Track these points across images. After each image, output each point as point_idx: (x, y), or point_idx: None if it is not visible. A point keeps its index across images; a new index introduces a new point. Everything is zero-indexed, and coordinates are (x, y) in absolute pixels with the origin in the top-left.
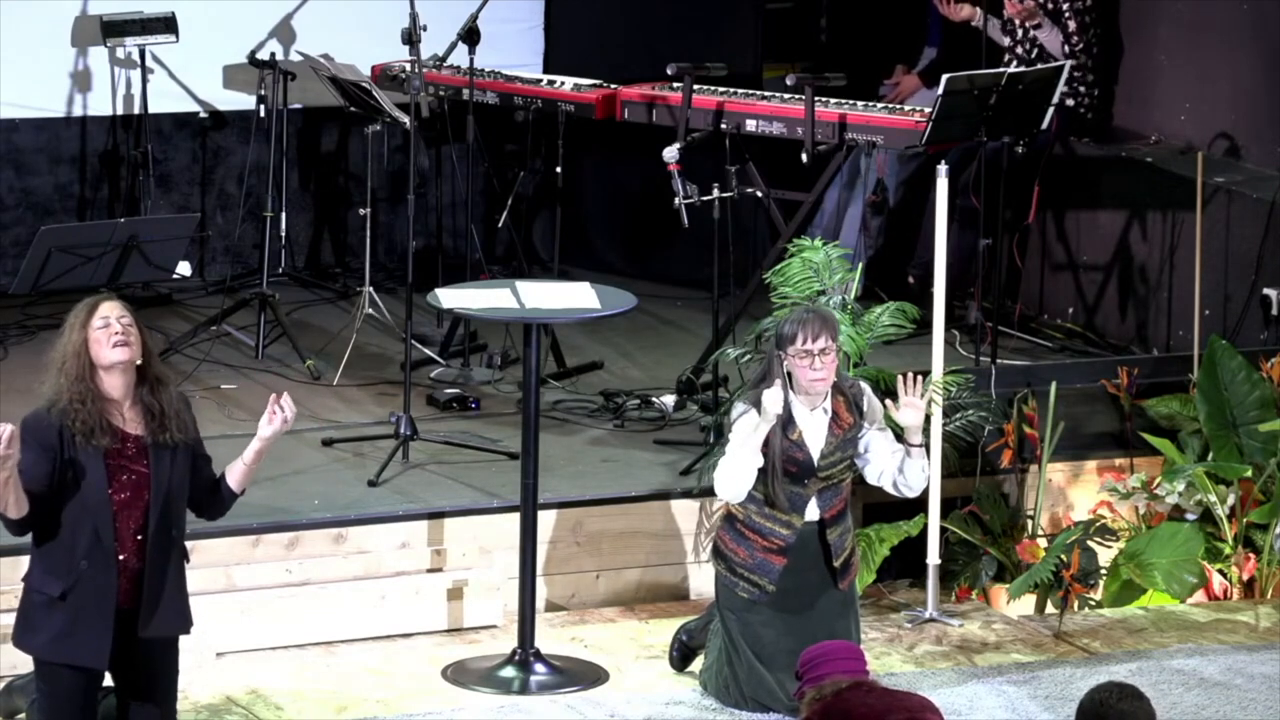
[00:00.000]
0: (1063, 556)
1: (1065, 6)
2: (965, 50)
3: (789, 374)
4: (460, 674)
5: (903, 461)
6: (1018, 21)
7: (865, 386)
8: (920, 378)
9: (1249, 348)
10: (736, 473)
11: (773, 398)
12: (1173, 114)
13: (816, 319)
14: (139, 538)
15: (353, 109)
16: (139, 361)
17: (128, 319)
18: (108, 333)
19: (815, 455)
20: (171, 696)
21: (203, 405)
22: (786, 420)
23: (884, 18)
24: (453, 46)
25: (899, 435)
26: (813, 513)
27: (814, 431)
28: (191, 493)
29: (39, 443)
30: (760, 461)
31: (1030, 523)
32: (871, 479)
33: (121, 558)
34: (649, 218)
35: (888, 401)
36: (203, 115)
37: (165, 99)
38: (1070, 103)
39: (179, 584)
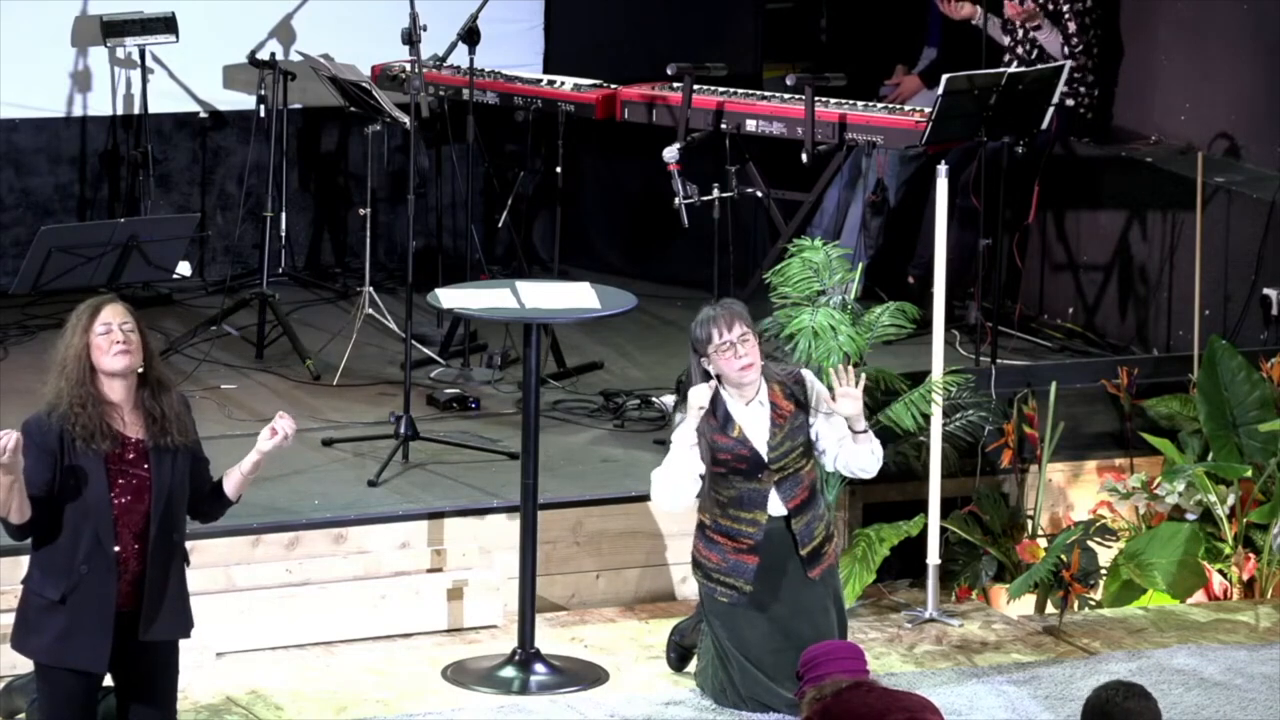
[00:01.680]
0: (1063, 556)
1: (1065, 8)
2: (965, 50)
3: (718, 376)
4: (460, 674)
5: (852, 447)
6: (1018, 23)
7: (806, 374)
8: (853, 367)
9: (1249, 348)
10: (671, 480)
11: (698, 391)
12: (1173, 114)
13: (724, 311)
14: (140, 541)
15: (353, 109)
16: (141, 369)
17: (130, 324)
18: (109, 339)
19: (763, 449)
20: (172, 697)
21: (203, 405)
22: (724, 420)
23: (884, 18)
24: (453, 46)
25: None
26: (776, 506)
27: (754, 425)
28: (190, 495)
29: (39, 446)
30: (700, 467)
31: (1030, 523)
32: (828, 466)
33: (122, 561)
34: (649, 218)
35: (824, 394)
36: (203, 115)
37: (165, 99)
38: (1070, 103)
39: (180, 587)
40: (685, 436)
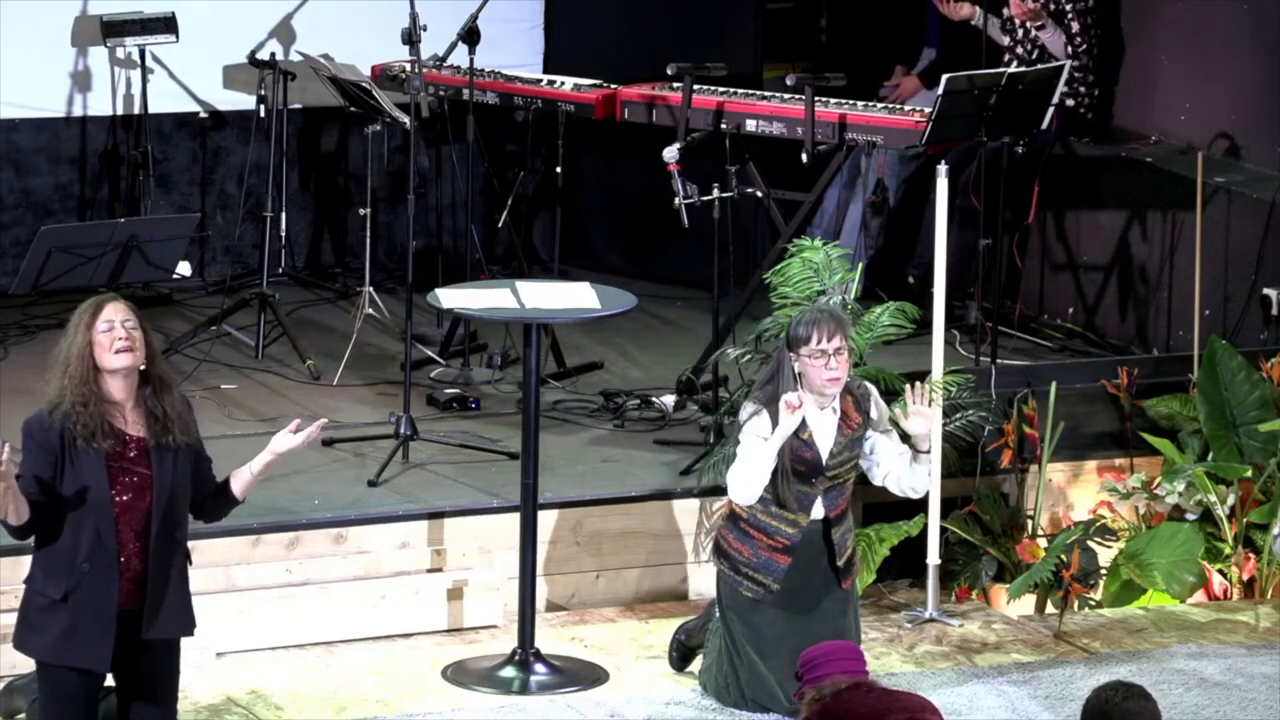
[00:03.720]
0: (1063, 556)
1: (1068, 7)
2: (964, 51)
3: (800, 374)
4: (460, 674)
5: (910, 465)
6: (1019, 21)
7: (872, 388)
8: (926, 387)
9: (1249, 348)
10: (752, 476)
11: (795, 413)
12: (1173, 114)
13: (830, 319)
14: (141, 540)
15: (353, 109)
16: (143, 366)
17: (132, 322)
18: (111, 337)
19: (824, 455)
20: (173, 697)
21: (203, 405)
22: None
23: (884, 18)
24: (453, 46)
25: (905, 438)
26: (818, 512)
27: (824, 431)
28: (193, 494)
29: (40, 445)
30: (773, 463)
31: (1030, 523)
32: (877, 480)
33: (123, 559)
34: (649, 218)
35: (896, 410)
36: (203, 115)
37: (165, 99)
38: (1070, 103)
39: (182, 585)
40: (775, 440)
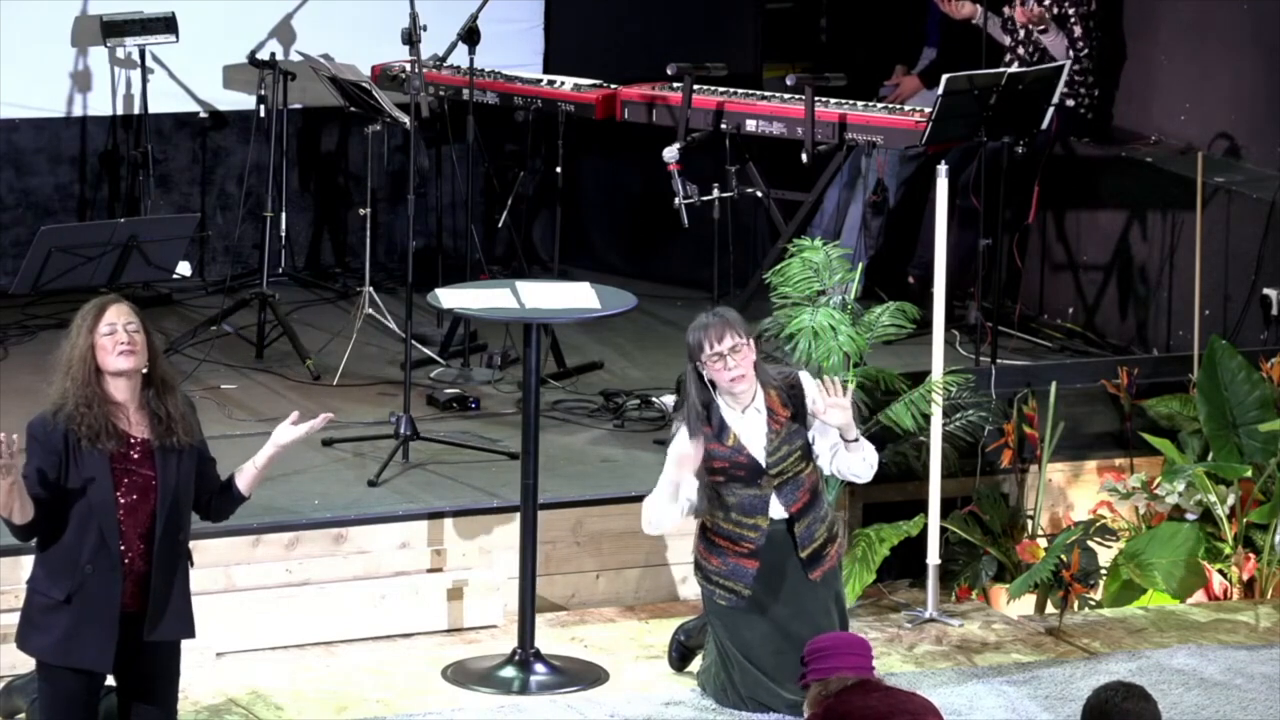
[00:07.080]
0: (1063, 556)
1: (1071, 12)
2: (965, 51)
3: (711, 382)
4: (460, 674)
5: (845, 454)
6: (1026, 27)
7: (803, 376)
8: (836, 379)
9: (1249, 348)
10: (658, 513)
11: (682, 448)
12: (1173, 114)
13: (717, 321)
14: (144, 541)
15: (353, 109)
16: (145, 369)
17: (134, 324)
18: (114, 340)
19: (761, 456)
20: (173, 697)
21: (203, 405)
22: (720, 429)
23: (884, 18)
24: (453, 46)
25: None
26: (778, 511)
27: (751, 433)
28: (197, 495)
29: (44, 447)
30: (685, 505)
31: (1030, 523)
32: (825, 470)
33: (126, 561)
34: (649, 218)
35: (814, 409)
36: (203, 115)
37: (165, 99)
38: (1070, 103)
39: (184, 588)
40: (671, 483)
